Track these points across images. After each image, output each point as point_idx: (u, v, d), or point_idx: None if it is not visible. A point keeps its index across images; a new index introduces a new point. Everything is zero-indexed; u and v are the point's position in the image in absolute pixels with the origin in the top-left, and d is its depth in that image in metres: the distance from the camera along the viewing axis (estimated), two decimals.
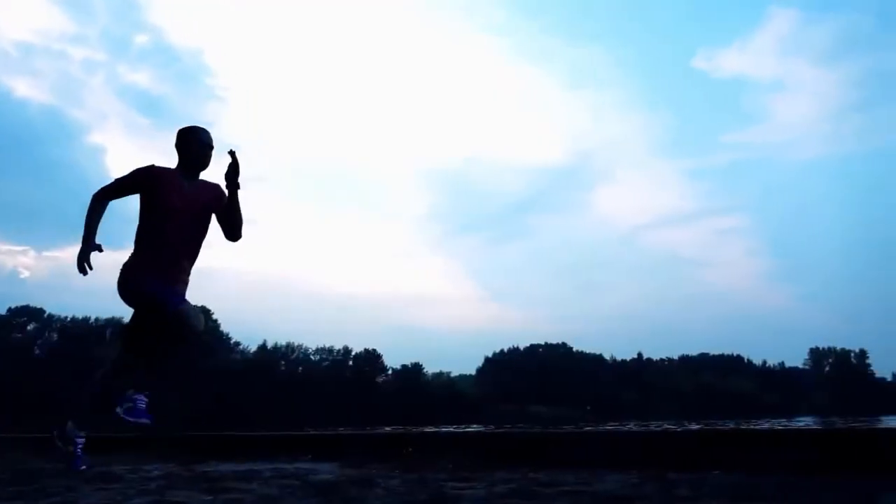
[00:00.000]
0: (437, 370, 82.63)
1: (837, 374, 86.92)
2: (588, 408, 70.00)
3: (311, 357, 74.52)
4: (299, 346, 70.99)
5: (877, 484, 1.58)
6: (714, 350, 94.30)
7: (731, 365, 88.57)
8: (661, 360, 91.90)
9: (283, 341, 70.35)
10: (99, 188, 3.07)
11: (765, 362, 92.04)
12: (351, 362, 76.31)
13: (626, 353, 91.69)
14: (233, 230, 3.18)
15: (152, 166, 3.10)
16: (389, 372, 78.01)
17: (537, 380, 75.88)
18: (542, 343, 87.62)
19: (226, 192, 3.14)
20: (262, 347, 68.01)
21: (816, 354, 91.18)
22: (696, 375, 79.65)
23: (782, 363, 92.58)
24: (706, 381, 76.78)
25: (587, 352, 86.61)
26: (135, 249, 3.07)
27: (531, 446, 2.35)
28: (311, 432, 3.73)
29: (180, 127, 3.25)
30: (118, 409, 2.88)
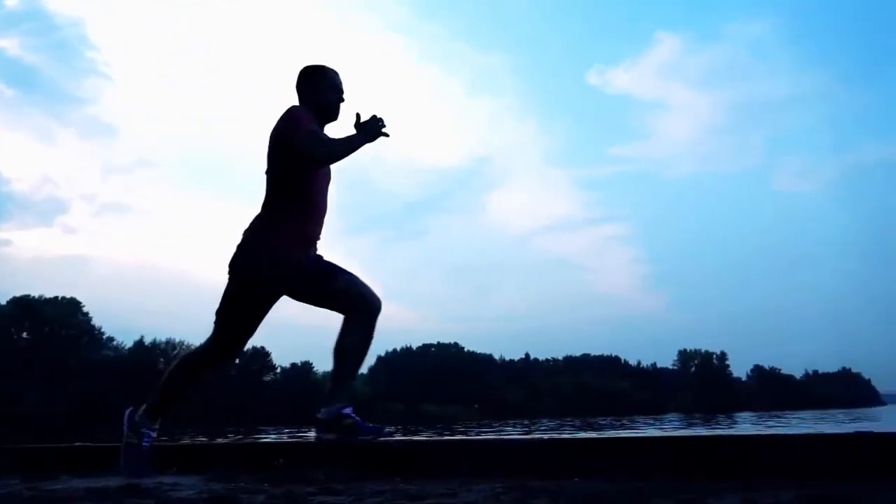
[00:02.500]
0: (329, 369, 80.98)
1: (701, 374, 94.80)
2: (476, 406, 71.67)
3: None
4: (181, 343, 67.05)
5: (717, 486, 1.73)
6: (595, 351, 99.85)
7: (610, 365, 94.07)
8: (547, 360, 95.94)
9: (162, 337, 66.14)
10: (317, 153, 2.36)
11: (639, 363, 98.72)
12: (237, 360, 73.21)
13: (514, 354, 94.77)
14: None
15: (303, 108, 2.48)
16: (278, 370, 75.76)
17: (429, 379, 76.64)
18: (435, 343, 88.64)
19: None
20: (139, 344, 63.63)
21: (684, 356, 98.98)
22: (578, 375, 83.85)
23: (654, 364, 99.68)
24: (586, 381, 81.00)
25: (478, 352, 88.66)
26: (275, 213, 2.43)
27: (407, 455, 2.37)
28: (181, 442, 3.53)
29: (306, 65, 2.57)
30: (341, 422, 2.34)
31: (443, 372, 78.65)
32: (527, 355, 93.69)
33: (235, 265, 2.43)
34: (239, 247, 2.44)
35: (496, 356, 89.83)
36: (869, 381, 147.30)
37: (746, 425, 21.55)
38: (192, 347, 2.64)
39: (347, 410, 2.40)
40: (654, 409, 72.85)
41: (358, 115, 2.38)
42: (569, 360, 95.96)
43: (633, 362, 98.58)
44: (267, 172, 2.47)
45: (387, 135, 2.35)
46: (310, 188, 2.45)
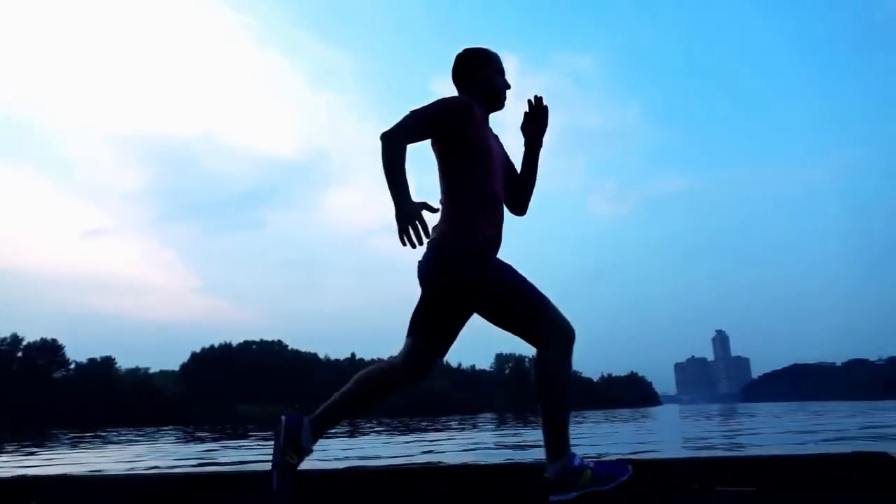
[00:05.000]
0: (134, 365, 74.28)
1: (515, 376, 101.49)
2: (296, 406, 69.88)
3: None
4: None
5: None
6: None
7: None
8: (373, 360, 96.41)
9: None
10: (391, 128, 1.97)
11: (460, 364, 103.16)
12: (20, 353, 64.38)
13: (340, 353, 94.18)
14: (524, 200, 2.37)
15: (463, 97, 2.18)
16: (72, 366, 67.69)
17: (248, 378, 73.23)
18: (258, 340, 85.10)
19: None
20: None
21: (500, 359, 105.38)
22: None
23: (474, 366, 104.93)
24: None
25: (303, 350, 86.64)
26: (456, 210, 2.08)
27: (177, 487, 2.29)
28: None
29: (468, 48, 2.30)
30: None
31: (264, 371, 75.61)
32: (353, 355, 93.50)
33: (434, 268, 2.06)
34: (433, 249, 2.07)
35: (321, 355, 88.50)
36: (651, 384, 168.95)
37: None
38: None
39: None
40: (470, 409, 76.55)
41: (434, 209, 2.03)
42: None
43: (454, 364, 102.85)
44: (439, 164, 2.17)
45: (402, 242, 1.94)
46: (489, 181, 2.14)
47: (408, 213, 1.89)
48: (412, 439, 11.74)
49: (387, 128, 1.97)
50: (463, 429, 17.19)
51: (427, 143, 2.14)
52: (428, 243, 2.04)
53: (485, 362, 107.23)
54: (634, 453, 6.53)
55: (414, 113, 2.00)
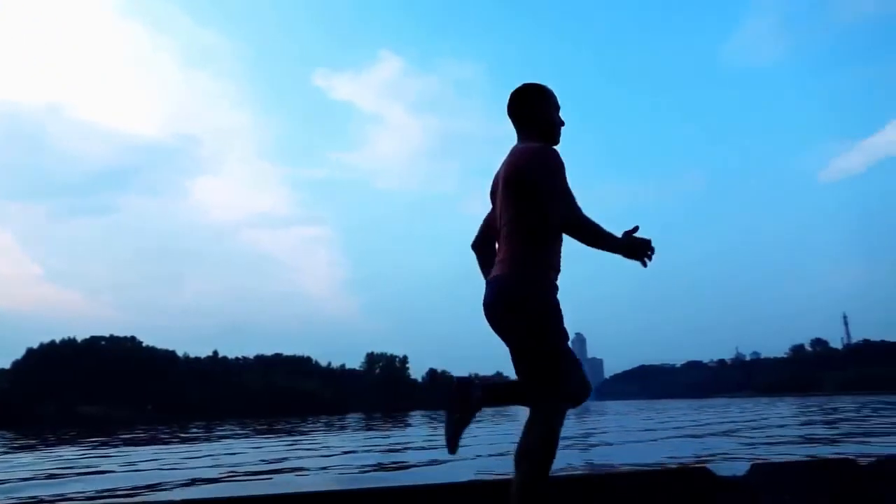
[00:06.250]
0: None
1: (385, 375, 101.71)
2: (149, 407, 65.28)
3: None
4: None
5: None
6: (288, 350, 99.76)
7: (301, 365, 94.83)
8: (237, 358, 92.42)
9: None
10: (563, 214, 2.04)
11: (329, 363, 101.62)
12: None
13: (201, 351, 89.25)
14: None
15: (550, 146, 2.18)
16: None
17: (95, 377, 67.22)
18: (107, 335, 78.39)
19: None
20: None
21: (371, 358, 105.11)
22: (268, 375, 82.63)
23: (343, 365, 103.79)
24: (276, 381, 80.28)
25: (159, 347, 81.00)
26: (541, 249, 2.10)
27: None
28: None
29: (528, 84, 2.29)
30: None
31: (113, 369, 69.75)
32: (215, 353, 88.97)
33: (515, 300, 2.06)
34: (509, 287, 2.08)
35: (180, 353, 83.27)
36: None
37: (418, 418, 24.11)
38: (536, 428, 2.02)
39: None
40: (339, 409, 75.71)
41: (636, 228, 2.15)
42: (260, 359, 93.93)
43: (323, 363, 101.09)
44: (514, 205, 2.15)
45: (645, 264, 2.14)
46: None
47: (632, 245, 2.10)
48: (268, 444, 11.52)
49: (558, 218, 2.06)
50: (329, 431, 17.06)
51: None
52: (504, 274, 2.12)
53: (354, 362, 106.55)
54: (431, 463, 6.88)
55: (562, 191, 2.09)
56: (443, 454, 7.44)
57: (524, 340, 2.07)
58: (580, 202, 2.20)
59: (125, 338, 79.36)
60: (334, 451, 8.82)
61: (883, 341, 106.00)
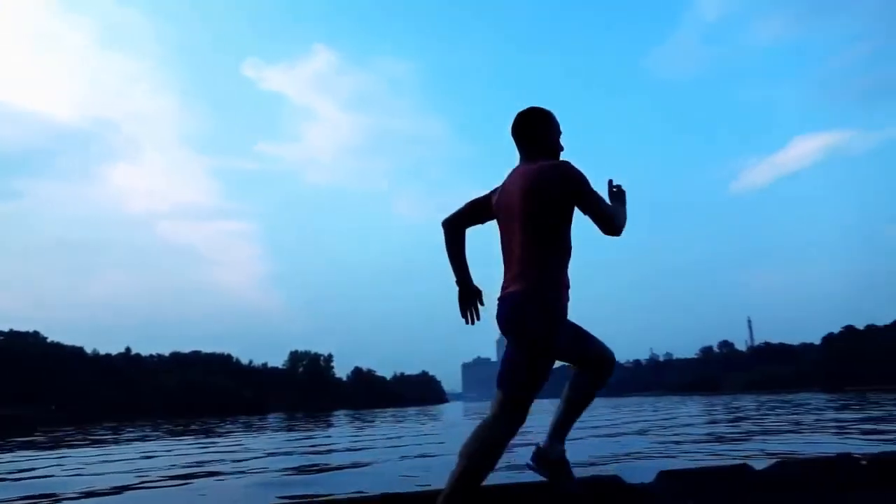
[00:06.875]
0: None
1: (309, 374, 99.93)
2: (53, 407, 61.29)
3: None
4: None
5: None
6: (207, 348, 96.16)
7: (220, 363, 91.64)
8: (152, 356, 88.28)
9: None
10: (613, 225, 2.27)
11: (251, 361, 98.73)
12: None
13: (113, 347, 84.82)
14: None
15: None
16: None
17: None
18: (6, 330, 72.97)
19: None
20: None
21: (294, 357, 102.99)
22: (186, 373, 79.35)
23: (266, 363, 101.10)
24: (194, 379, 77.22)
25: (65, 343, 76.16)
26: (555, 265, 2.23)
27: None
28: None
29: (534, 108, 2.39)
30: None
31: (12, 366, 65.00)
32: (128, 350, 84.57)
33: (527, 324, 2.17)
34: (521, 303, 2.18)
35: (89, 350, 78.63)
36: (440, 382, 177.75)
37: (341, 418, 23.78)
38: (479, 431, 2.18)
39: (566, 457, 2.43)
40: (260, 409, 73.71)
41: (610, 182, 2.47)
42: (177, 356, 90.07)
43: (244, 361, 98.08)
44: (531, 222, 2.22)
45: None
46: (569, 237, 2.32)
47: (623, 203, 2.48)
48: (183, 446, 11.11)
49: (620, 230, 2.31)
50: (248, 431, 16.59)
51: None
52: (517, 296, 2.23)
53: (277, 360, 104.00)
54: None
55: (597, 197, 2.25)
56: (366, 455, 7.41)
57: (524, 352, 2.17)
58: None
59: (27, 332, 74.16)
60: (253, 454, 8.59)
61: (781, 344, 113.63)
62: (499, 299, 2.27)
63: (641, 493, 2.47)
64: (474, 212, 2.42)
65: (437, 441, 9.45)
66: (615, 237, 2.27)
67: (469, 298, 2.40)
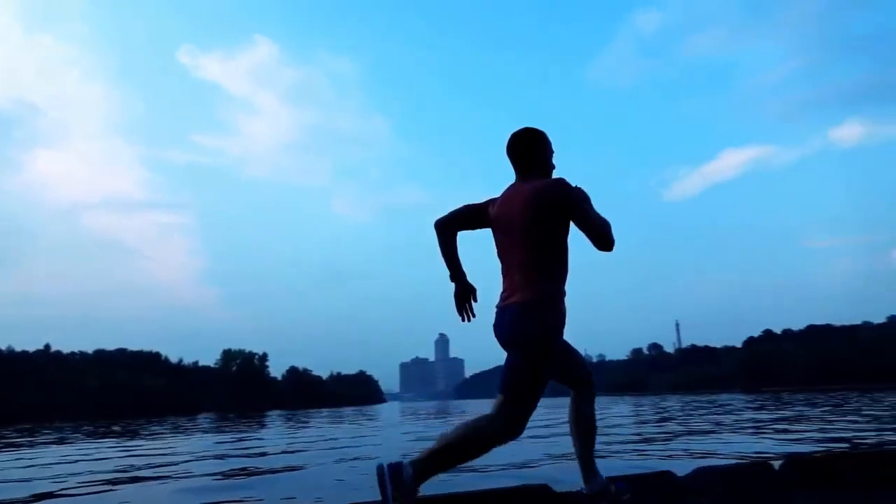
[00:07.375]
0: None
1: (242, 373, 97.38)
2: None
3: None
4: None
5: None
6: (133, 345, 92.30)
7: (149, 361, 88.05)
8: (74, 353, 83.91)
9: None
10: (609, 238, 2.31)
11: (181, 360, 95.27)
12: None
13: (30, 344, 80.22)
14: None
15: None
16: None
17: None
18: None
19: None
20: None
21: (228, 355, 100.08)
22: (110, 372, 75.69)
23: (196, 362, 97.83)
24: (119, 379, 73.80)
25: None
26: (554, 277, 2.34)
27: None
28: None
29: (530, 129, 2.49)
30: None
31: None
32: (47, 346, 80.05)
33: (527, 332, 2.25)
34: (522, 313, 2.26)
35: (3, 345, 73.99)
36: (377, 381, 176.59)
37: (275, 418, 23.27)
38: (473, 422, 2.28)
39: (608, 482, 2.48)
40: (190, 409, 71.28)
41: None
42: (101, 354, 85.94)
43: (174, 359, 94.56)
44: (531, 235, 2.31)
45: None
46: (567, 250, 2.41)
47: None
48: (104, 449, 10.63)
49: (612, 245, 2.33)
50: (176, 433, 16.01)
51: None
52: (518, 304, 2.30)
53: (209, 358, 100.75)
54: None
55: (594, 214, 2.31)
56: (300, 459, 7.28)
57: (524, 356, 2.26)
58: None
59: None
60: (180, 457, 8.30)
61: (706, 346, 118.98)
62: (498, 309, 2.35)
63: (569, 500, 2.52)
64: (469, 217, 2.50)
65: (373, 443, 9.40)
66: (607, 252, 2.36)
67: (465, 296, 2.47)
